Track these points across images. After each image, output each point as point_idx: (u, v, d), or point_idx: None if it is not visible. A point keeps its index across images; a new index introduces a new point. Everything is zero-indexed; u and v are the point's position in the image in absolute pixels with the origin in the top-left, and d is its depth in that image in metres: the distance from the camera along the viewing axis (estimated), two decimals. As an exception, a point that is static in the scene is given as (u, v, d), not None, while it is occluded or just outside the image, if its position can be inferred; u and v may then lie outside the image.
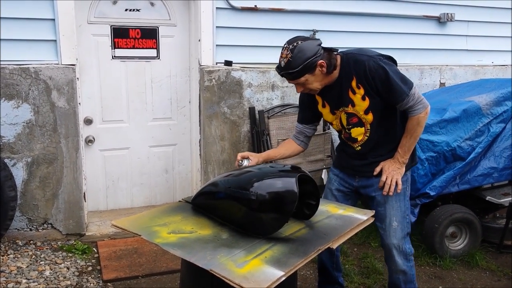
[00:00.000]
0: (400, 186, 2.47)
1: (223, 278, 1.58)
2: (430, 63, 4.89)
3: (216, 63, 4.01)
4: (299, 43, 2.26)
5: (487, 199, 3.71)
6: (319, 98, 2.53)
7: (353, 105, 2.40)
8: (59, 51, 3.49)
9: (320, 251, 1.85)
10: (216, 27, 3.93)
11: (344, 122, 2.49)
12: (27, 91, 3.43)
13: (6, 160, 3.41)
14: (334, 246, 1.92)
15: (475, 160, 3.61)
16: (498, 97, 3.67)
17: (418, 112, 2.35)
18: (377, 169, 2.50)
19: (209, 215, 2.10)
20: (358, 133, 2.48)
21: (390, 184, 2.45)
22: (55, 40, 3.48)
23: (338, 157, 2.74)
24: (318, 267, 2.93)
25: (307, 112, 2.65)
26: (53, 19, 3.44)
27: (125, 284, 3.15)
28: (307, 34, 4.25)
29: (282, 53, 2.30)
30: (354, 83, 2.35)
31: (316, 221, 2.11)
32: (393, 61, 2.40)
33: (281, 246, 1.83)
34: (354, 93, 2.37)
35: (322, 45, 2.31)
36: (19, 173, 3.49)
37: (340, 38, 4.38)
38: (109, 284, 3.14)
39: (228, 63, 4.02)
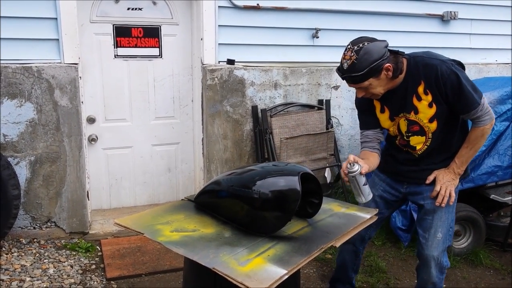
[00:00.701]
0: (452, 198, 2.36)
1: (225, 277, 1.58)
2: (434, 61, 4.86)
3: (219, 61, 4.00)
4: (365, 44, 2.10)
5: (491, 197, 3.69)
6: (378, 103, 2.37)
7: (416, 112, 2.26)
8: (62, 50, 3.49)
9: (323, 249, 1.85)
10: (219, 25, 3.93)
11: (404, 129, 2.34)
12: (30, 90, 3.44)
13: (9, 159, 3.41)
14: (337, 244, 1.92)
15: (479, 159, 3.59)
16: (502, 95, 3.65)
17: (485, 123, 2.21)
18: (431, 178, 2.37)
19: (212, 214, 2.10)
20: (417, 141, 2.34)
21: (444, 195, 2.34)
22: (58, 39, 3.48)
23: (385, 162, 2.52)
24: (337, 263, 2.87)
25: (370, 116, 2.44)
26: (56, 18, 3.44)
27: (128, 282, 3.15)
28: (310, 33, 4.25)
29: (345, 54, 2.14)
30: (421, 89, 2.20)
31: (319, 219, 2.10)
32: (463, 67, 2.24)
33: (284, 245, 1.83)
34: (419, 99, 2.22)
35: (388, 46, 2.16)
36: (22, 172, 3.50)
37: (343, 37, 4.34)
38: (112, 282, 3.14)
39: (230, 61, 4.02)
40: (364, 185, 2.18)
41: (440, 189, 2.34)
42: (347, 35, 4.34)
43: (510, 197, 3.68)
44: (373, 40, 2.14)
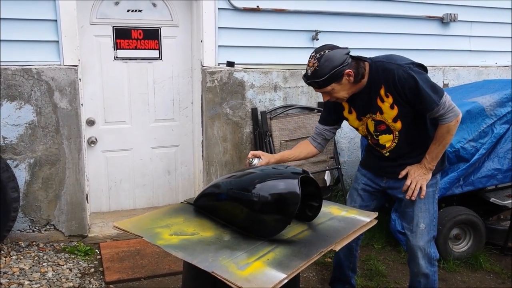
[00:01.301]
0: (423, 192, 2.45)
1: (225, 281, 1.57)
2: (433, 64, 4.86)
3: (218, 64, 4.00)
4: (326, 52, 2.22)
5: (491, 200, 3.68)
6: (346, 104, 2.50)
7: (381, 112, 2.37)
8: (61, 52, 3.49)
9: (323, 253, 1.84)
10: (218, 27, 3.93)
11: (372, 128, 2.47)
12: (29, 92, 3.43)
13: (8, 161, 3.41)
14: (337, 248, 1.91)
15: (479, 162, 3.58)
16: (501, 98, 3.64)
17: (449, 120, 2.30)
18: (403, 173, 2.49)
19: (211, 217, 2.09)
20: (386, 140, 2.46)
21: (414, 189, 2.44)
22: (57, 41, 3.48)
23: (366, 157, 2.72)
24: (334, 263, 2.93)
25: (332, 114, 2.60)
26: (55, 20, 3.44)
27: (127, 286, 3.14)
28: (309, 35, 4.25)
29: (309, 62, 2.27)
30: (382, 92, 2.32)
31: (319, 223, 2.09)
32: (424, 68, 2.35)
33: (284, 248, 1.82)
34: (382, 101, 2.34)
35: (350, 53, 2.27)
36: (21, 174, 3.49)
37: (343, 39, 4.35)
38: (111, 285, 3.13)
39: (230, 64, 4.01)
40: None
41: (411, 183, 2.45)
42: (347, 37, 4.39)
43: (510, 201, 3.67)
44: (334, 47, 2.26)
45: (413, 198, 2.46)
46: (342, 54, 2.23)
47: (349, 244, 2.72)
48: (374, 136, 2.48)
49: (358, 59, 2.31)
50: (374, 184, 2.64)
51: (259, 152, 2.44)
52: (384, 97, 2.32)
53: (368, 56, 2.41)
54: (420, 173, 2.44)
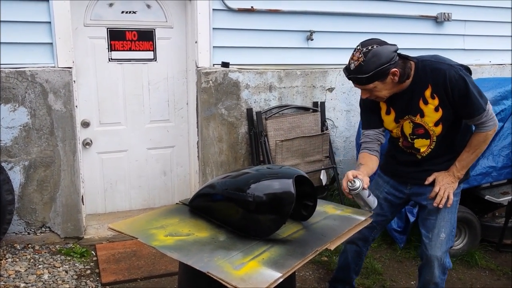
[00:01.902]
0: (450, 201, 2.37)
1: (220, 280, 1.57)
2: (428, 63, 4.88)
3: (213, 64, 4.00)
4: (375, 47, 2.10)
5: (486, 198, 3.70)
6: (384, 105, 2.38)
7: (422, 115, 2.27)
8: (56, 54, 3.48)
9: (318, 252, 1.85)
10: (213, 28, 3.93)
11: (408, 131, 2.36)
12: (23, 94, 3.42)
13: (3, 164, 3.39)
14: (332, 247, 1.91)
15: (474, 159, 3.60)
16: (495, 96, 3.67)
17: (488, 129, 2.24)
18: (430, 179, 2.40)
19: (207, 217, 2.09)
20: (422, 144, 2.36)
21: (443, 197, 2.35)
22: (51, 43, 3.47)
23: (388, 163, 2.60)
24: (339, 263, 2.88)
25: (375, 115, 2.44)
26: (49, 22, 3.43)
27: (124, 287, 3.13)
28: (304, 35, 4.25)
29: (353, 55, 2.14)
30: (428, 93, 2.21)
31: (314, 222, 2.10)
32: (470, 72, 2.24)
33: (279, 248, 1.82)
34: (426, 103, 2.24)
35: (397, 51, 2.16)
36: (16, 177, 3.48)
37: (337, 39, 4.38)
38: (107, 287, 3.13)
39: (225, 64, 4.01)
40: (368, 196, 2.17)
41: (439, 190, 2.35)
42: (341, 37, 4.40)
43: (505, 198, 3.69)
44: (383, 43, 2.14)
45: (440, 205, 2.36)
46: (390, 51, 2.12)
47: (360, 249, 2.76)
48: (409, 139, 2.37)
49: (406, 58, 2.21)
50: (397, 192, 2.55)
51: (356, 172, 2.17)
52: (429, 98, 2.22)
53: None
54: (448, 181, 2.36)
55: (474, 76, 5.11)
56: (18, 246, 3.51)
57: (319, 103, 4.37)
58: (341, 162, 4.61)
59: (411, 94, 2.25)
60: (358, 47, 2.14)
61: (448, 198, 2.36)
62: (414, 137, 2.35)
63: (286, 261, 1.71)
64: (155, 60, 4.04)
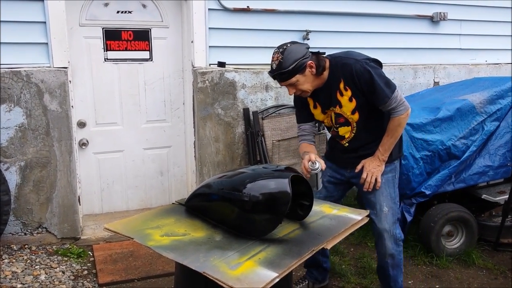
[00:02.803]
0: (378, 184, 2.62)
1: (216, 280, 1.57)
2: (424, 62, 4.89)
3: (210, 64, 4.00)
4: (289, 45, 2.41)
5: (482, 197, 3.71)
6: (310, 100, 2.68)
7: (340, 106, 2.55)
8: (51, 54, 3.46)
9: (315, 251, 1.84)
10: (209, 28, 3.92)
11: (333, 121, 2.65)
12: (19, 94, 3.41)
13: (-1, 165, 3.39)
14: (329, 246, 1.91)
15: (470, 159, 3.61)
16: (491, 96, 3.67)
17: (400, 113, 2.49)
18: (358, 167, 2.66)
19: (203, 217, 2.09)
20: (344, 131, 2.64)
21: (370, 182, 2.61)
22: (47, 43, 3.45)
23: (330, 150, 2.89)
24: None
25: (306, 111, 2.75)
26: (44, 22, 3.42)
27: (120, 288, 3.13)
28: (300, 35, 4.26)
29: (273, 57, 2.43)
30: (342, 85, 2.49)
31: (310, 221, 2.10)
32: (379, 64, 2.53)
33: (275, 247, 1.82)
34: (341, 95, 2.52)
35: (309, 48, 2.45)
36: (12, 177, 3.47)
37: (333, 38, 4.38)
38: (104, 287, 3.12)
39: (221, 64, 4.01)
40: (320, 177, 2.48)
41: (366, 176, 2.61)
42: (337, 37, 4.41)
43: (502, 197, 3.69)
44: (295, 42, 2.47)
45: (369, 189, 2.63)
46: (303, 48, 2.42)
47: None
48: (334, 128, 2.67)
49: (317, 53, 2.48)
50: (339, 175, 2.80)
51: (313, 156, 2.47)
52: (343, 90, 2.50)
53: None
54: (374, 165, 2.60)
55: (470, 76, 5.16)
56: (14, 247, 3.50)
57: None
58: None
59: (329, 88, 2.54)
60: (276, 50, 2.42)
61: (376, 181, 2.61)
62: (338, 125, 2.64)
63: (282, 260, 1.71)
64: (151, 60, 4.03)
